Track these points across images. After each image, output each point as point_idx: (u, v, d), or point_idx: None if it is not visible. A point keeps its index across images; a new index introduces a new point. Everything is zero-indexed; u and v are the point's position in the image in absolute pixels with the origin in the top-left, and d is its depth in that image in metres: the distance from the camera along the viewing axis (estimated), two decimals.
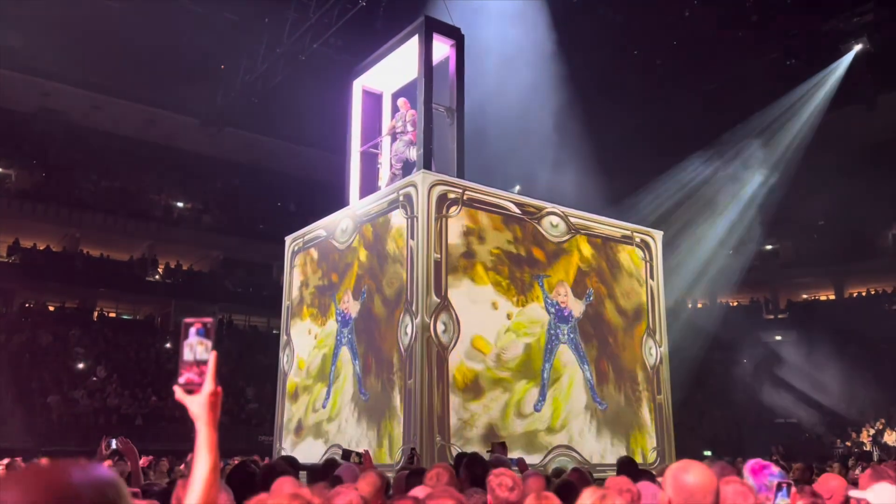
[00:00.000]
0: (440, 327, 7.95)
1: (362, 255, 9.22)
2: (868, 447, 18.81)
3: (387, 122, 10.67)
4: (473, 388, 8.05)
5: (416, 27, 9.55)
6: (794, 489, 2.82)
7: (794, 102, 22.43)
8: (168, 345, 24.01)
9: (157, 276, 27.41)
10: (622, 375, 9.62)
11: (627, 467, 4.92)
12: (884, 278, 28.10)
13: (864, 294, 29.59)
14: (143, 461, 8.89)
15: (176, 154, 27.32)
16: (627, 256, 10.15)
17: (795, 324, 27.95)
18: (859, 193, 25.09)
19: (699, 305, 29.01)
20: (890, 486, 3.58)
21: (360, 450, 6.93)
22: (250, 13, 20.05)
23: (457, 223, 8.43)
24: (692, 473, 2.17)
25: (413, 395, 7.77)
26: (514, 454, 7.20)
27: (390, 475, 4.53)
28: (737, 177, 23.61)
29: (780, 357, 26.41)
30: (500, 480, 3.20)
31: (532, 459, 7.82)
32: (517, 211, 9.03)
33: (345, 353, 9.26)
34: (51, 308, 24.67)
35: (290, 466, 4.58)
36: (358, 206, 9.66)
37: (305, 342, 10.15)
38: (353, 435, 8.65)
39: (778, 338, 28.32)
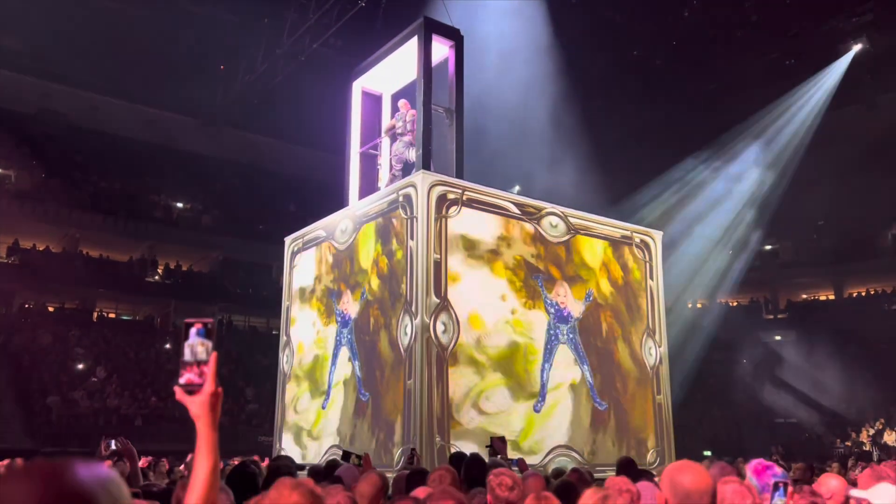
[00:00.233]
0: (440, 328, 7.95)
1: (362, 255, 9.22)
2: (868, 447, 18.81)
3: (386, 124, 10.67)
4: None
5: (416, 28, 9.55)
6: (790, 489, 2.82)
7: (793, 102, 22.44)
8: (168, 345, 24.02)
9: (156, 277, 27.42)
10: (622, 376, 9.62)
11: (627, 468, 4.92)
12: (883, 278, 28.11)
13: (863, 294, 29.60)
14: (142, 462, 8.90)
15: (175, 155, 27.33)
16: (627, 257, 10.16)
17: (795, 324, 27.98)
18: (859, 193, 25.13)
19: (699, 305, 29.02)
20: (891, 487, 3.59)
21: (360, 452, 6.93)
22: (250, 14, 20.08)
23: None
24: (688, 474, 2.17)
25: (413, 396, 7.77)
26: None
27: (390, 476, 4.54)
28: (736, 177, 23.63)
29: (780, 357, 26.43)
30: (500, 480, 3.20)
31: (531, 460, 7.83)
32: (516, 211, 9.04)
33: (344, 353, 9.26)
34: (50, 309, 24.67)
35: (293, 466, 4.59)
36: (357, 207, 9.66)
37: (309, 334, 10.13)
38: (353, 436, 8.65)
39: (778, 338, 28.35)
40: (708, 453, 17.36)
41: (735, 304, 30.68)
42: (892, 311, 26.95)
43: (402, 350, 8.12)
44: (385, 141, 10.33)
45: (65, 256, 25.52)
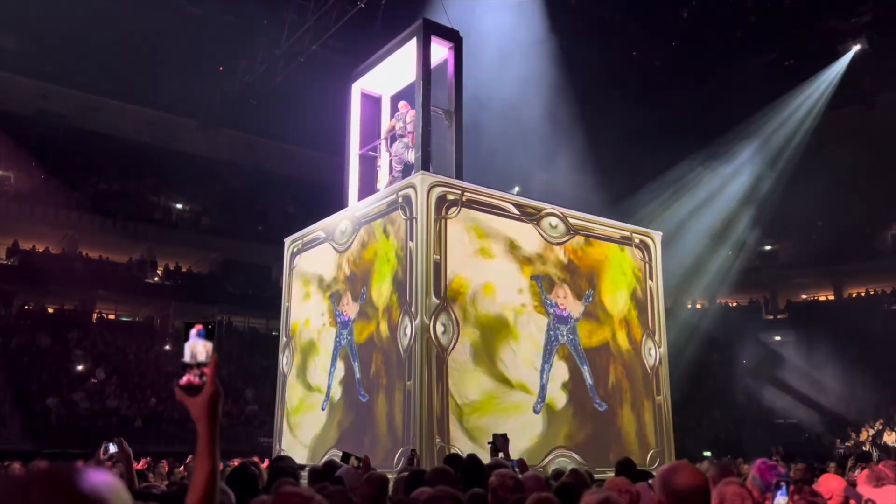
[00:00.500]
0: (440, 328, 7.95)
1: (361, 256, 9.22)
2: (867, 447, 18.81)
3: (385, 126, 10.67)
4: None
5: (415, 30, 9.55)
6: (792, 487, 2.82)
7: (792, 103, 22.45)
8: (167, 347, 24.01)
9: (156, 278, 27.41)
10: (621, 376, 9.62)
11: (627, 468, 4.92)
12: (883, 278, 28.12)
13: (863, 294, 29.60)
14: (142, 463, 8.89)
15: (175, 156, 27.31)
16: (627, 257, 10.16)
17: (795, 324, 27.99)
18: (859, 193, 25.14)
19: (698, 306, 29.03)
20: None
21: (360, 453, 6.93)
22: (249, 15, 20.07)
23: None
24: (682, 475, 2.16)
25: (412, 397, 7.76)
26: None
27: (391, 477, 4.53)
28: (736, 177, 23.63)
29: (780, 357, 26.44)
30: (501, 481, 3.20)
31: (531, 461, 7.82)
32: (516, 212, 9.04)
33: (344, 354, 9.26)
34: (50, 310, 24.66)
35: (295, 467, 4.59)
36: (357, 208, 9.66)
37: (309, 335, 10.12)
38: (353, 437, 8.65)
39: (777, 338, 28.35)
40: (708, 454, 17.40)
41: (735, 304, 30.70)
42: (892, 311, 26.97)
43: (401, 351, 8.12)
44: (385, 142, 10.33)
45: (64, 257, 25.51)
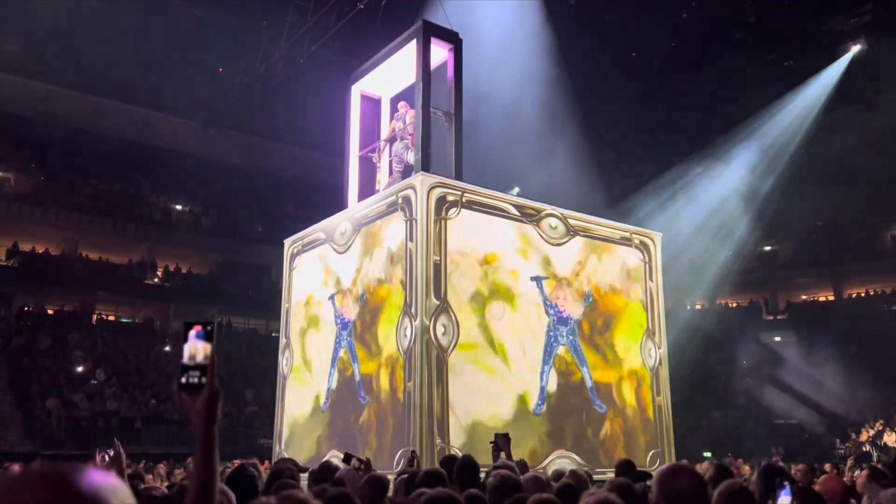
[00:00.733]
0: (440, 329, 7.95)
1: (361, 257, 9.22)
2: (867, 448, 18.79)
3: (385, 127, 10.67)
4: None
5: (414, 31, 9.54)
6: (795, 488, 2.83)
7: (792, 103, 22.44)
8: (167, 348, 24.01)
9: (156, 279, 27.41)
10: (621, 377, 9.62)
11: (627, 469, 4.92)
12: (883, 279, 28.12)
13: (863, 295, 29.59)
14: (140, 467, 8.89)
15: (175, 157, 27.32)
16: (627, 258, 10.15)
17: (795, 325, 27.98)
18: (858, 194, 25.12)
19: (698, 307, 29.01)
20: None
21: (361, 455, 6.92)
22: (249, 15, 20.07)
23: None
24: (679, 476, 2.16)
25: (412, 398, 7.76)
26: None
27: (391, 478, 4.53)
28: (736, 177, 23.61)
29: (780, 358, 26.42)
30: (501, 482, 3.20)
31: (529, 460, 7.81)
32: (516, 213, 9.04)
33: (344, 355, 9.26)
34: (50, 311, 24.66)
35: (295, 468, 4.59)
36: (357, 209, 9.65)
37: (308, 336, 10.11)
38: (353, 438, 8.64)
39: (777, 339, 28.34)
40: (708, 454, 17.39)
41: (734, 305, 30.69)
42: (892, 312, 26.96)
43: (401, 352, 8.12)
44: (384, 145, 10.32)
45: (64, 259, 25.53)
